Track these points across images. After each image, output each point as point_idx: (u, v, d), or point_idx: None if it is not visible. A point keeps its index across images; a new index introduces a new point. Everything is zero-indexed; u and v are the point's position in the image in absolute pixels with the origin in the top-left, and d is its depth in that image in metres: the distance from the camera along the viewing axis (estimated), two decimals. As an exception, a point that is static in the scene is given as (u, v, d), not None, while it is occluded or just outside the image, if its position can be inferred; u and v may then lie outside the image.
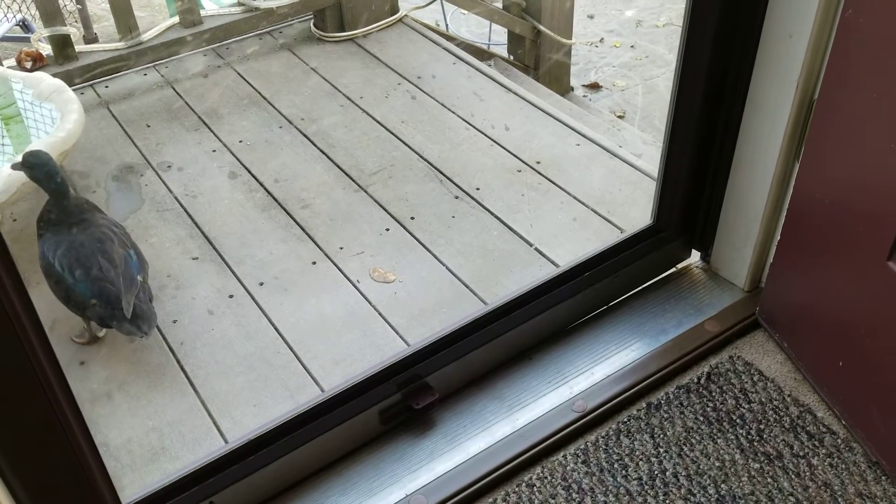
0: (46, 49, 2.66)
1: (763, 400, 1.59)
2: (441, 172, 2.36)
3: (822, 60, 1.45)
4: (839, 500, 1.42)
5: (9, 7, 3.59)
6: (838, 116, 1.39)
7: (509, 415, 1.58)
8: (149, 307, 1.81)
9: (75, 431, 1.07)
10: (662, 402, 1.60)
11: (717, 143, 1.66)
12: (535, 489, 1.47)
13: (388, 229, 2.17)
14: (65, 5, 3.03)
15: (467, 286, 1.99)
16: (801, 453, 1.50)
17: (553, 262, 2.04)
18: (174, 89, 2.76)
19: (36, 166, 1.78)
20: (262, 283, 2.02)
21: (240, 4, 2.90)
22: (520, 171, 2.35)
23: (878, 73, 1.27)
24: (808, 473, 1.47)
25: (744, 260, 1.76)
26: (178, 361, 1.83)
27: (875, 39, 1.27)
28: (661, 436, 1.54)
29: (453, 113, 2.61)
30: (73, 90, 2.28)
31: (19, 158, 1.80)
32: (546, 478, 1.48)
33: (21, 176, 1.92)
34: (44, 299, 1.83)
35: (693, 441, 1.53)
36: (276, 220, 2.21)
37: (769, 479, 1.46)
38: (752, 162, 1.63)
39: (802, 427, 1.54)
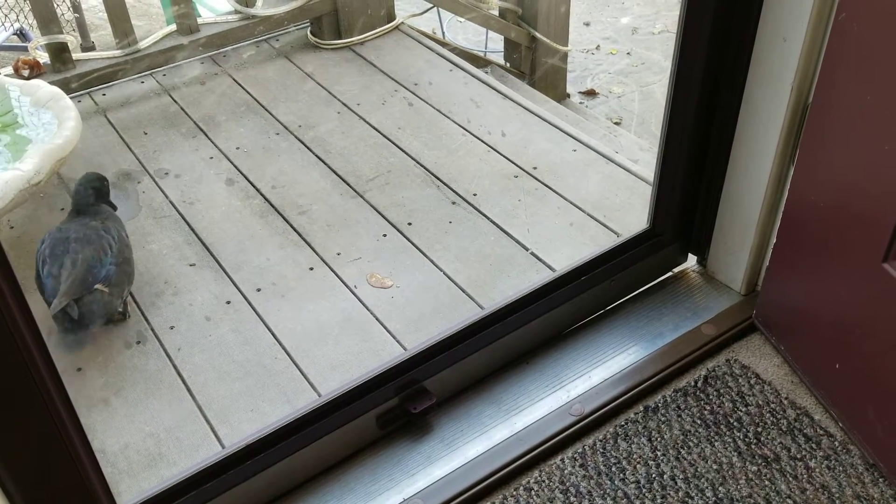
0: (43, 57, 2.66)
1: (760, 403, 1.59)
2: (438, 178, 2.36)
3: (816, 64, 1.46)
4: (837, 502, 1.42)
5: (6, 16, 3.60)
6: (833, 120, 1.40)
7: (507, 419, 1.58)
8: (86, 314, 1.82)
9: (73, 438, 1.07)
10: (660, 405, 1.60)
11: (712, 147, 1.66)
12: (532, 493, 1.47)
13: (385, 235, 2.17)
14: (62, 14, 3.04)
15: (464, 291, 1.99)
16: (799, 456, 1.50)
17: (550, 267, 2.05)
18: (171, 97, 2.77)
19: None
20: (259, 289, 2.02)
21: (236, 12, 2.91)
22: (516, 177, 2.36)
23: (872, 77, 1.28)
24: (805, 476, 1.47)
25: (740, 264, 1.76)
26: (176, 367, 1.83)
27: (869, 43, 1.28)
28: (659, 439, 1.54)
29: (450, 119, 2.62)
30: (71, 98, 2.29)
31: None
32: (544, 481, 1.48)
33: (18, 183, 1.93)
34: (41, 305, 1.83)
35: (691, 444, 1.53)
36: (273, 227, 2.22)
37: (767, 482, 1.46)
38: (747, 166, 1.63)
39: (800, 430, 1.54)
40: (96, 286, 1.83)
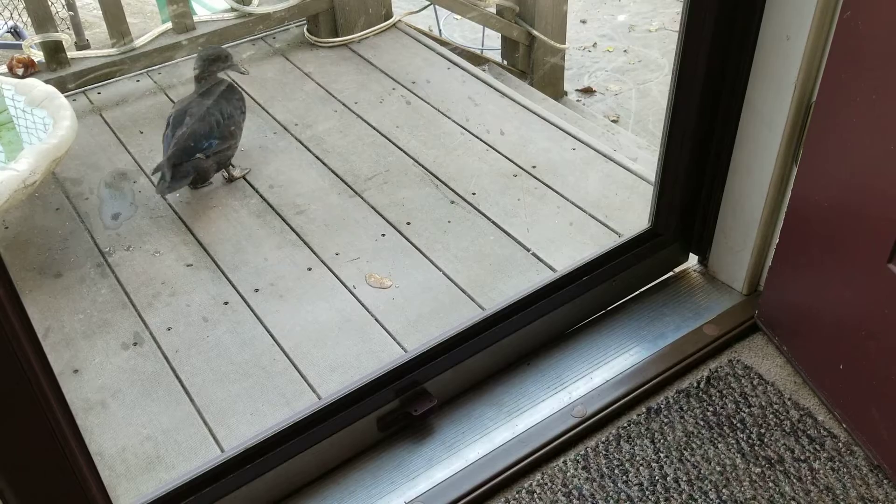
0: (38, 55, 2.64)
1: (763, 404, 1.58)
2: (436, 177, 2.35)
3: (819, 63, 1.44)
4: (841, 503, 1.42)
5: (0, 14, 3.57)
6: (836, 119, 1.38)
7: (508, 421, 1.57)
8: (180, 173, 2.20)
9: (70, 441, 1.05)
10: (662, 406, 1.59)
11: (714, 146, 1.65)
12: (535, 496, 1.45)
13: (383, 235, 2.16)
14: (57, 12, 3.01)
15: (464, 291, 1.98)
16: (802, 457, 1.49)
17: (550, 267, 2.03)
18: (167, 95, 2.75)
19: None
20: (257, 290, 2.00)
21: (233, 10, 2.89)
22: (516, 176, 2.34)
23: (877, 75, 1.27)
24: (809, 477, 1.46)
25: (742, 263, 1.75)
26: (173, 369, 1.82)
27: (874, 41, 1.26)
28: (662, 441, 1.53)
29: (448, 118, 2.60)
30: (66, 97, 2.27)
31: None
32: (546, 484, 1.47)
33: (13, 183, 1.91)
34: (37, 307, 1.82)
35: (693, 446, 1.52)
36: (270, 226, 2.20)
37: (770, 484, 1.45)
38: (749, 165, 1.62)
39: (803, 431, 1.53)
40: (197, 155, 2.21)
